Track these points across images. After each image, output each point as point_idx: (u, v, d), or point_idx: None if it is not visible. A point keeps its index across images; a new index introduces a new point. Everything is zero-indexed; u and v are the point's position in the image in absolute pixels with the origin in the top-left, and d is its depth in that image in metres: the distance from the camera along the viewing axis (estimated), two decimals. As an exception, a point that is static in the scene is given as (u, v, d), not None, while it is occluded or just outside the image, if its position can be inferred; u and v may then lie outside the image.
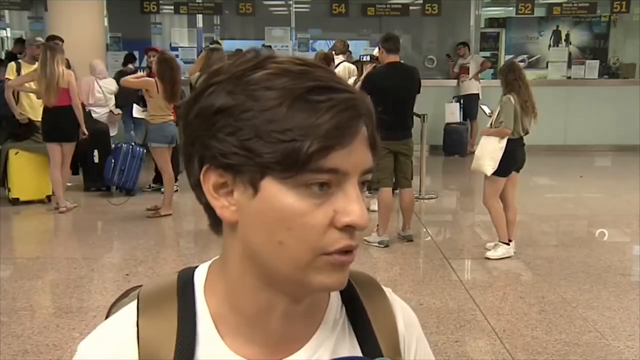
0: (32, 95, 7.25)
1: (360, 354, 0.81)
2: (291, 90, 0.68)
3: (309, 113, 0.67)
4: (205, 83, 0.73)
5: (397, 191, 5.95)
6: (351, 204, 0.69)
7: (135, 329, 0.76)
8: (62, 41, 7.86)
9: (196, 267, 0.83)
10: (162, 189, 7.20)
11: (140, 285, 0.86)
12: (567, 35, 12.96)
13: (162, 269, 5.20)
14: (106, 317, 0.87)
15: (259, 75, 0.70)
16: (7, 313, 4.26)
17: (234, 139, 0.68)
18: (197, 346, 0.75)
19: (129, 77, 7.02)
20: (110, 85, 8.52)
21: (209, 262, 0.82)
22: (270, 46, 11.77)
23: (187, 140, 0.74)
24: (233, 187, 0.71)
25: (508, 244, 5.45)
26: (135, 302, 0.79)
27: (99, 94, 8.21)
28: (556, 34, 12.98)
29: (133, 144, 7.93)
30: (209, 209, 0.75)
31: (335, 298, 0.84)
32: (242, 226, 0.73)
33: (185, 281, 0.80)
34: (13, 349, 3.74)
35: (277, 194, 0.68)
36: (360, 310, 0.84)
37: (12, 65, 7.46)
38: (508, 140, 5.21)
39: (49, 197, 7.26)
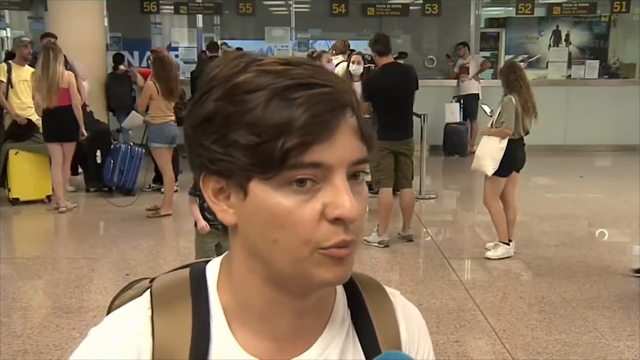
0: (22, 96, 7.24)
1: (363, 357, 0.81)
2: (269, 91, 0.68)
3: (284, 110, 0.67)
4: (200, 92, 0.74)
5: (399, 192, 5.94)
6: (340, 197, 0.69)
7: (150, 323, 0.76)
8: (56, 38, 7.84)
9: (206, 262, 0.83)
10: (162, 189, 7.20)
11: (144, 278, 0.86)
12: (567, 35, 12.96)
13: (162, 268, 5.14)
14: (109, 309, 0.86)
15: (242, 79, 0.70)
16: (7, 313, 4.26)
17: (218, 145, 0.70)
18: (210, 344, 0.76)
19: (139, 101, 7.00)
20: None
21: (220, 258, 0.83)
22: (226, 43, 11.74)
23: (188, 149, 0.76)
24: (229, 192, 0.73)
25: (508, 244, 5.45)
26: (147, 296, 0.79)
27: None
28: (556, 34, 12.98)
29: (132, 144, 7.93)
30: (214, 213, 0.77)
31: (341, 296, 0.84)
32: (241, 228, 0.74)
33: (198, 277, 0.80)
34: (13, 348, 3.74)
35: (264, 194, 0.69)
36: (364, 314, 0.84)
37: (2, 66, 7.43)
38: (509, 140, 5.21)
39: (49, 197, 7.26)
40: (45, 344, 3.79)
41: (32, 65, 7.28)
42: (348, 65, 7.59)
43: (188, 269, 0.82)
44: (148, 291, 0.80)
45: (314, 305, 0.79)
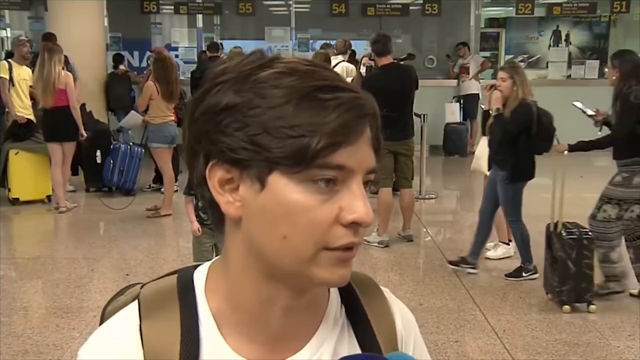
0: (24, 95, 7.23)
1: (359, 352, 0.81)
2: (298, 89, 0.69)
3: (317, 111, 0.69)
4: (212, 82, 0.74)
5: (398, 192, 5.94)
6: (356, 201, 0.70)
7: (139, 333, 0.76)
8: (56, 39, 7.83)
9: (195, 267, 0.83)
10: (162, 189, 7.21)
11: (136, 284, 0.86)
12: (567, 35, 12.95)
13: (162, 269, 5.20)
14: (102, 315, 0.87)
15: (266, 74, 0.71)
16: (7, 313, 4.26)
17: (242, 134, 0.70)
18: (200, 349, 0.75)
19: (139, 102, 7.02)
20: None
21: (208, 263, 0.83)
22: (222, 44, 11.66)
23: (193, 137, 0.75)
24: (239, 183, 0.72)
25: (508, 244, 5.45)
26: (135, 305, 0.79)
27: None
28: (556, 34, 12.97)
29: (131, 144, 7.94)
30: (212, 206, 0.75)
31: (335, 296, 0.84)
32: (246, 221, 0.73)
33: (185, 282, 0.80)
34: (13, 349, 3.74)
35: (284, 188, 0.70)
36: (360, 310, 0.84)
37: (3, 64, 7.43)
38: (508, 140, 5.20)
39: (48, 197, 7.27)
40: (45, 344, 3.80)
41: (32, 64, 7.28)
42: (359, 67, 7.54)
43: (176, 276, 0.82)
44: (136, 300, 0.80)
45: (307, 304, 0.78)
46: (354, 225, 0.71)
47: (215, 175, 0.73)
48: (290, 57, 0.75)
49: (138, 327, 0.76)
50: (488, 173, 5.26)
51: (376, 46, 5.69)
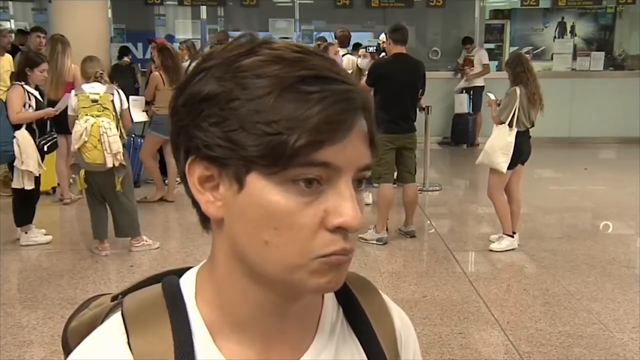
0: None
1: (363, 354, 0.79)
2: (282, 79, 0.63)
3: (299, 104, 0.62)
4: (196, 68, 0.68)
5: (396, 185, 5.88)
6: (343, 204, 0.64)
7: (128, 349, 0.69)
8: (45, 33, 7.84)
9: (180, 273, 0.77)
10: (166, 181, 7.23)
11: (100, 295, 0.82)
12: (573, 27, 12.88)
13: (167, 260, 5.21)
14: (64, 331, 0.82)
15: (250, 61, 0.65)
16: (12, 304, 4.28)
17: (218, 129, 0.64)
18: None
19: (146, 93, 7.12)
20: None
21: (196, 268, 0.77)
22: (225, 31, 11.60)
23: (174, 129, 0.69)
24: (219, 181, 0.67)
25: (512, 236, 5.44)
26: (118, 319, 0.72)
27: None
28: (561, 26, 12.89)
29: (134, 135, 7.93)
30: (197, 203, 0.70)
31: (329, 299, 0.80)
32: (228, 223, 0.68)
33: (172, 292, 0.74)
34: (18, 339, 3.76)
35: (263, 190, 0.64)
36: (359, 311, 0.81)
37: None
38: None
39: (53, 189, 7.29)
40: (50, 335, 3.81)
41: (11, 53, 7.26)
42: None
43: (160, 285, 0.75)
44: (119, 313, 0.73)
45: (300, 309, 0.74)
46: (341, 230, 0.65)
47: (195, 172, 0.68)
48: (280, 43, 0.68)
49: (126, 343, 0.69)
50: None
51: (395, 35, 5.67)
